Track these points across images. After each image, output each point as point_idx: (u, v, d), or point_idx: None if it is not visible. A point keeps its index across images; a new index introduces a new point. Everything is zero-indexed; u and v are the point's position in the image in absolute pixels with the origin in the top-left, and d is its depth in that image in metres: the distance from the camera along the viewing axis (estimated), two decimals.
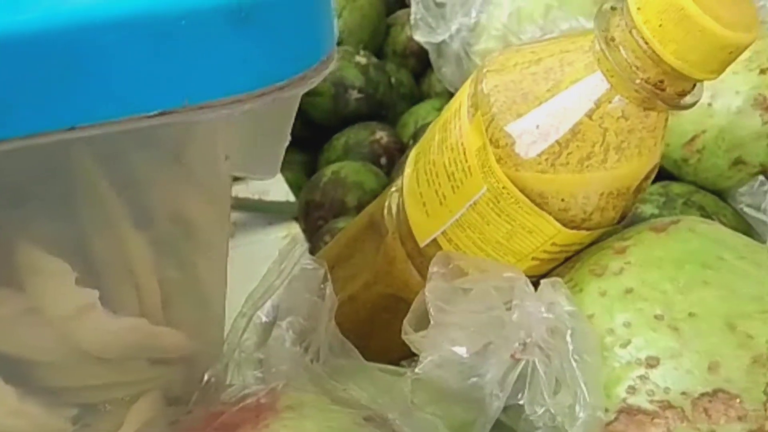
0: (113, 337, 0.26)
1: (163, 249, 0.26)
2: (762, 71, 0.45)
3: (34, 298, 0.25)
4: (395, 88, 0.64)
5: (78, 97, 0.18)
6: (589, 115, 0.30)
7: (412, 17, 0.57)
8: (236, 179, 0.60)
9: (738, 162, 0.46)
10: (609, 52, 0.29)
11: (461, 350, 0.29)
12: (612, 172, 0.31)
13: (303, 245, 0.32)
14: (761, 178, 0.46)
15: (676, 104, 0.29)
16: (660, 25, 0.27)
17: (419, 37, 0.58)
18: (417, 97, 0.67)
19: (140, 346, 0.27)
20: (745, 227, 0.47)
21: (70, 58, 0.17)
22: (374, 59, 0.61)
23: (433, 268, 0.30)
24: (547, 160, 0.30)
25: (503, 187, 0.31)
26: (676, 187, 0.48)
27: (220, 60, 0.19)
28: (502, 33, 0.53)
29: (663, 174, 0.49)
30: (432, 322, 0.30)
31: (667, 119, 0.31)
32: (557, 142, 0.30)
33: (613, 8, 0.29)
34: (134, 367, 0.28)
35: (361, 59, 0.60)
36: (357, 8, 0.64)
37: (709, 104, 0.46)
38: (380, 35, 0.68)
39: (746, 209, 0.47)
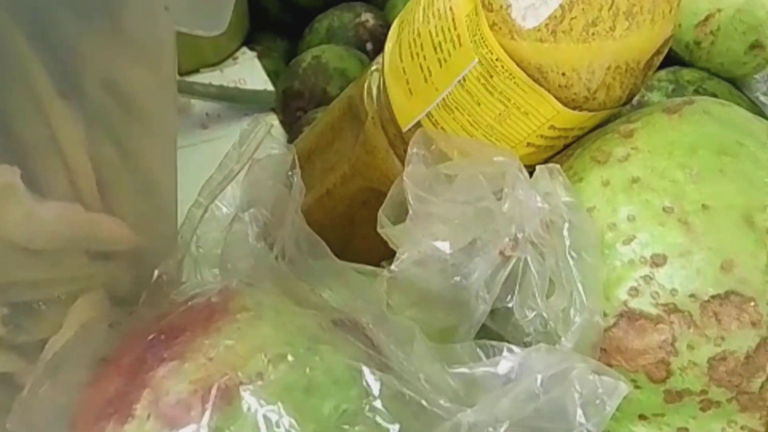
0: (41, 223, 0.23)
1: (96, 123, 0.23)
2: None
3: None
4: None
5: None
6: None
7: None
8: (211, 65, 0.58)
9: (755, 46, 0.44)
10: None
11: (444, 246, 0.27)
12: (621, 42, 0.28)
13: (265, 125, 0.28)
14: None
15: None
16: None
17: None
18: None
19: (75, 236, 0.24)
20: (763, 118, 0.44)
21: None
22: None
23: (412, 149, 0.27)
24: (547, 26, 0.27)
25: (497, 59, 0.28)
26: (686, 74, 0.46)
27: None
28: None
29: (672, 59, 0.47)
30: (411, 213, 0.27)
31: None
32: (560, 5, 0.27)
33: None
34: (71, 262, 0.25)
35: None
36: None
37: None
38: None
39: (762, 98, 0.46)
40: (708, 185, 0.28)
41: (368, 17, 0.55)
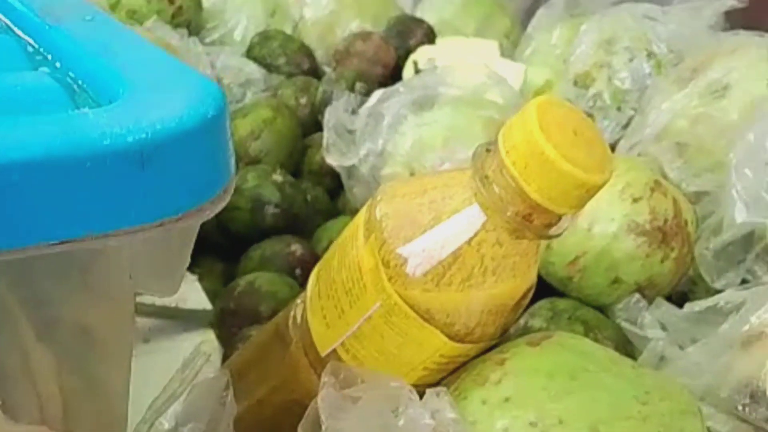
0: None
1: (66, 359, 0.26)
2: (634, 200, 0.49)
3: None
4: (311, 203, 0.66)
5: None
6: (468, 242, 0.32)
7: (324, 142, 0.60)
8: None
9: (616, 281, 0.49)
10: (484, 188, 0.31)
11: None
12: (490, 292, 0.33)
13: (204, 355, 0.33)
14: (637, 295, 0.50)
15: (543, 234, 0.32)
16: (525, 167, 0.30)
17: (331, 160, 0.60)
18: (333, 212, 0.69)
19: None
20: (626, 340, 0.49)
21: None
22: (290, 178, 0.63)
23: (324, 378, 0.31)
24: (432, 280, 0.32)
25: (394, 303, 0.33)
26: (561, 303, 0.51)
27: (122, 196, 0.20)
28: (405, 159, 0.56)
29: (551, 290, 0.52)
30: (324, 428, 0.30)
31: (539, 246, 0.34)
32: (440, 264, 0.32)
33: (487, 150, 0.32)
34: None
35: (278, 177, 0.62)
36: (275, 131, 0.67)
37: (589, 229, 0.49)
38: (297, 155, 0.70)
39: (623, 324, 0.49)
40: (562, 403, 0.32)
41: (297, 248, 0.59)
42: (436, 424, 0.31)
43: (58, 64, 0.26)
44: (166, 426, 0.33)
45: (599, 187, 0.30)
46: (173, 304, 0.58)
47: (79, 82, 0.25)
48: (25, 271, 0.23)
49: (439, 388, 0.33)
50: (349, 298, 0.35)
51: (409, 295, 0.33)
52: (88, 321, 0.27)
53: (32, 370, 0.26)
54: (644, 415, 0.32)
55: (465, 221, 0.32)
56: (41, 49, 0.28)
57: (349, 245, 0.35)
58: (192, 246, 0.25)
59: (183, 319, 0.58)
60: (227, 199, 0.23)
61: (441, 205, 0.32)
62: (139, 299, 0.57)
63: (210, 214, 0.22)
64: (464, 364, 0.36)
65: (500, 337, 0.36)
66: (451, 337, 0.33)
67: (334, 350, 0.36)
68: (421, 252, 0.32)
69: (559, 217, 0.32)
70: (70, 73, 0.26)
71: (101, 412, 0.29)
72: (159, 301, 0.58)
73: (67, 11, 0.28)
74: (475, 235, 0.32)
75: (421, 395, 0.33)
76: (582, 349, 0.35)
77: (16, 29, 0.29)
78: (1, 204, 0.19)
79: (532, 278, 0.34)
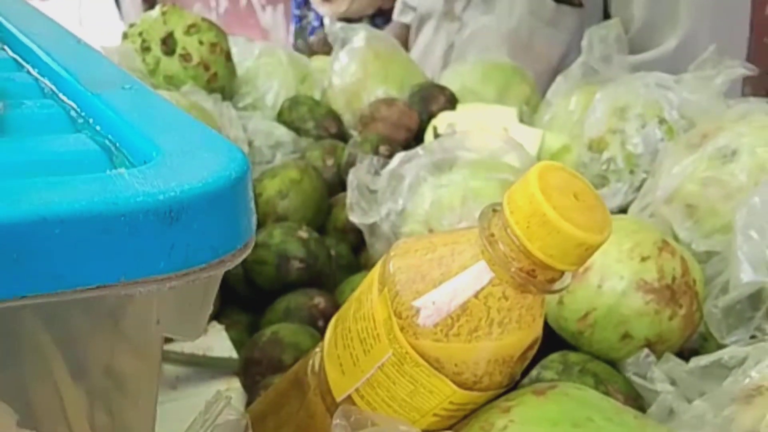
0: None
1: (96, 398, 0.28)
2: (642, 259, 0.50)
3: None
4: (335, 259, 0.67)
5: (28, 275, 0.21)
6: (476, 296, 0.33)
7: (348, 201, 0.62)
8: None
9: (625, 336, 0.50)
10: (490, 245, 0.32)
11: None
12: (496, 343, 0.34)
13: (226, 398, 0.34)
14: (646, 350, 0.50)
15: (546, 289, 0.33)
16: (528, 227, 0.31)
17: (354, 218, 0.62)
18: (355, 267, 0.70)
19: None
20: (636, 393, 0.50)
21: (22, 245, 0.20)
22: (315, 234, 0.65)
23: (336, 420, 0.32)
24: (441, 330, 0.34)
25: (405, 353, 0.34)
26: (573, 356, 0.51)
27: (152, 248, 0.22)
28: (424, 218, 0.58)
29: (562, 344, 0.52)
30: None
31: (543, 300, 0.35)
32: (449, 316, 0.33)
33: (494, 210, 0.33)
34: None
35: (303, 234, 0.63)
36: (301, 191, 0.69)
37: (599, 286, 0.50)
38: (322, 213, 0.72)
39: (633, 378, 0.49)
40: None
41: (320, 300, 0.61)
42: None
43: (98, 128, 0.28)
44: None
45: (597, 246, 0.31)
46: (201, 353, 0.60)
47: (117, 144, 0.27)
48: (61, 314, 0.25)
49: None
50: (363, 346, 0.36)
51: (419, 345, 0.34)
52: (118, 362, 0.28)
53: (65, 406, 0.27)
54: None
55: (472, 276, 0.33)
56: (84, 114, 0.30)
57: (365, 298, 0.37)
58: (215, 294, 0.26)
59: (210, 367, 0.59)
60: (248, 252, 0.25)
61: (450, 261, 0.34)
62: (168, 347, 0.59)
63: (231, 265, 0.24)
64: (474, 411, 0.37)
65: (508, 386, 0.37)
66: (459, 385, 0.34)
67: (349, 396, 0.37)
68: (432, 304, 0.34)
69: (561, 273, 0.33)
70: (109, 137, 0.28)
71: None
72: (187, 349, 0.59)
73: (108, 81, 0.30)
74: (482, 289, 0.33)
75: None
76: (586, 399, 0.36)
77: (62, 95, 0.32)
78: (44, 253, 0.21)
79: (537, 330, 0.35)
